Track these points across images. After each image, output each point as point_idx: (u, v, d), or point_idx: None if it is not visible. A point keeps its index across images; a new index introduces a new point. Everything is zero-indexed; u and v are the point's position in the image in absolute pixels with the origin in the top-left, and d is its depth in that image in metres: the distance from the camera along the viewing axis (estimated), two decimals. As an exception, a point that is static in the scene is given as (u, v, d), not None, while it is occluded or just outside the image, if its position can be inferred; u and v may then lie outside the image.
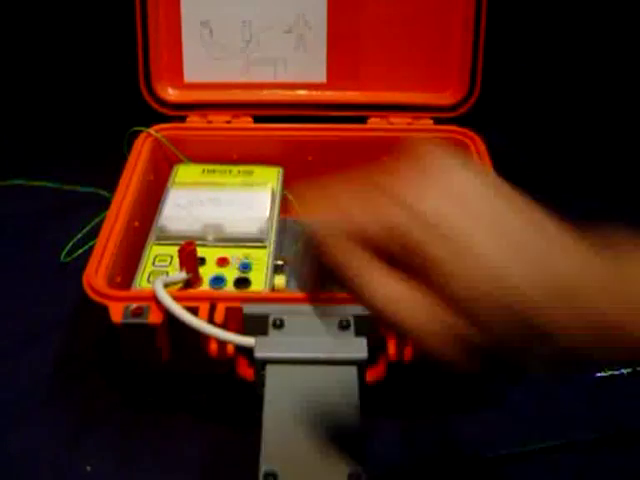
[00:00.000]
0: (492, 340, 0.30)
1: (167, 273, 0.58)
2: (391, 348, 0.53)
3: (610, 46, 0.82)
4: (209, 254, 0.60)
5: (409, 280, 0.31)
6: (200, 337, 0.51)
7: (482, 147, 0.69)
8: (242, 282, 0.58)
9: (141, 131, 0.71)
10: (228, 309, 0.51)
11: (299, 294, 0.61)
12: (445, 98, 0.74)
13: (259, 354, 0.48)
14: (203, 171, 0.71)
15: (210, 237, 0.62)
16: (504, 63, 0.80)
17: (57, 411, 0.57)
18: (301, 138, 0.73)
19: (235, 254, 0.60)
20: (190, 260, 0.56)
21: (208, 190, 0.66)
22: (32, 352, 0.61)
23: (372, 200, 0.32)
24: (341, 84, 0.74)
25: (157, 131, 0.71)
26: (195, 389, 0.58)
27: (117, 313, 0.51)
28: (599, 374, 0.60)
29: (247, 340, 0.49)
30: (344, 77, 0.74)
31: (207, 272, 0.59)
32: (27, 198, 0.78)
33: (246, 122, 0.74)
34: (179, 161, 0.72)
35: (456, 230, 0.30)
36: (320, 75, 0.74)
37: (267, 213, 0.64)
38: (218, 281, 0.58)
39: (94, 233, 0.62)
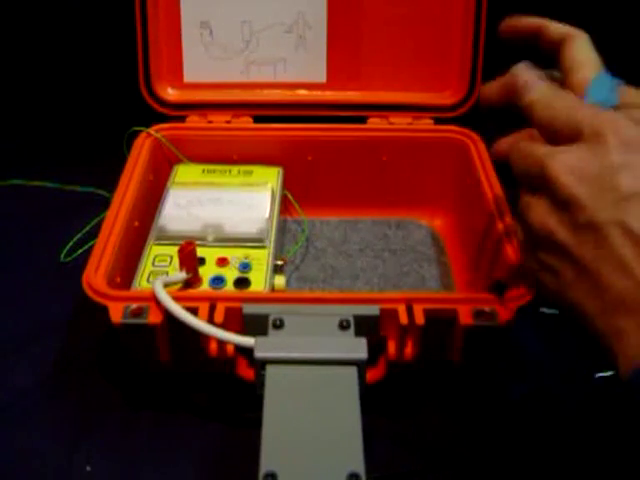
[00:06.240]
0: None
1: (167, 273, 0.58)
2: (391, 348, 0.53)
3: (610, 46, 0.82)
4: (209, 254, 0.60)
5: None
6: (200, 337, 0.51)
7: (482, 147, 0.69)
8: (242, 282, 0.58)
9: (141, 131, 0.71)
10: (228, 309, 0.51)
11: (299, 294, 0.62)
12: (445, 98, 0.74)
13: (259, 354, 0.48)
14: (203, 171, 0.71)
15: (210, 237, 0.62)
16: (504, 63, 0.80)
17: (57, 411, 0.57)
18: (301, 138, 0.73)
19: (235, 254, 0.60)
20: (190, 260, 0.56)
21: (208, 190, 0.66)
22: (32, 352, 0.61)
23: None
24: (341, 84, 0.74)
25: (157, 131, 0.71)
26: (195, 389, 0.58)
27: (117, 313, 0.51)
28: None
29: (247, 340, 0.49)
30: (344, 77, 0.74)
31: (207, 272, 0.59)
32: (27, 198, 0.78)
33: (246, 122, 0.74)
34: (179, 161, 0.72)
35: None
36: (320, 75, 0.74)
37: (267, 213, 0.64)
38: (218, 281, 0.58)
39: (94, 233, 0.62)
